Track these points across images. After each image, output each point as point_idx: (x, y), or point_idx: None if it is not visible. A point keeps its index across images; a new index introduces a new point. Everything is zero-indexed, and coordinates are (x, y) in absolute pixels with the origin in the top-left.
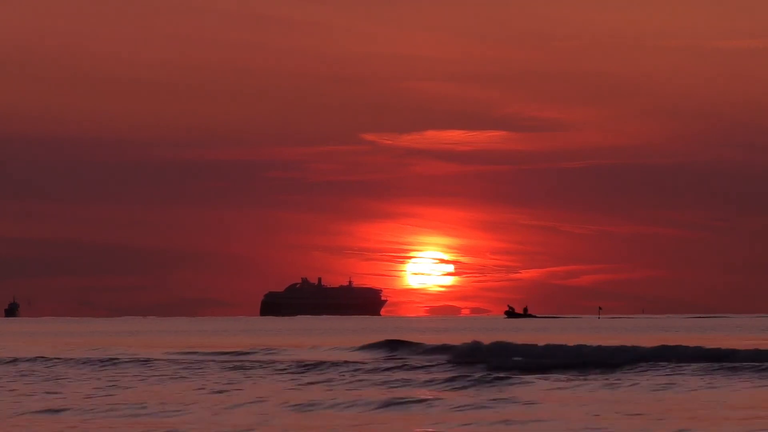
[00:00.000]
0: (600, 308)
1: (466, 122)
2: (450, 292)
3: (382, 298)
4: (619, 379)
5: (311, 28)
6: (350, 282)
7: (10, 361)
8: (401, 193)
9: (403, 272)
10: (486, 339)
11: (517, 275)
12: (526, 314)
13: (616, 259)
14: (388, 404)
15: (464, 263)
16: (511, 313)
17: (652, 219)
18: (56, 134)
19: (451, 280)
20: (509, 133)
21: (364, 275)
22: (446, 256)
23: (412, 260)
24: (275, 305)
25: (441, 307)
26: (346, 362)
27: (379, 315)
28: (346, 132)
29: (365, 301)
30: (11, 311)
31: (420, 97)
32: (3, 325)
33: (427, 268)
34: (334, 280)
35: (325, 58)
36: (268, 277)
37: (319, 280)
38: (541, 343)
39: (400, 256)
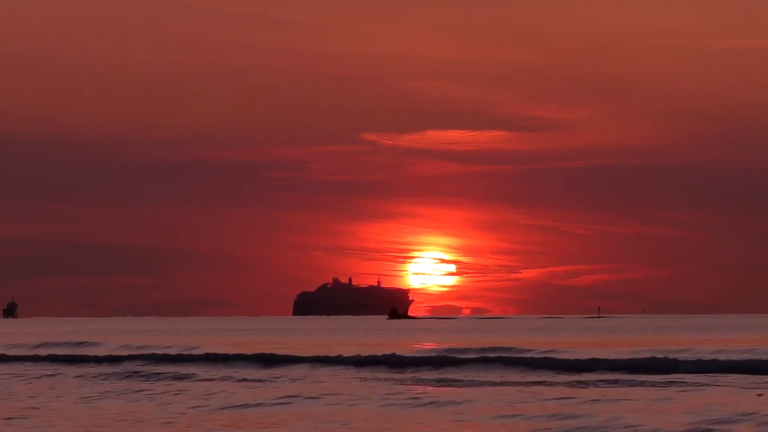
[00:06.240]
0: (599, 308)
1: (466, 122)
2: (451, 292)
3: (410, 299)
4: None
5: (311, 28)
6: (378, 282)
7: None
8: (401, 193)
9: (404, 272)
10: None
11: (518, 275)
12: (406, 316)
13: (616, 259)
14: None
15: (465, 263)
16: (393, 314)
17: (653, 219)
18: (56, 134)
19: (452, 280)
20: (509, 133)
21: (365, 275)
22: (447, 256)
23: (414, 260)
24: (308, 305)
25: (442, 307)
26: None
27: (407, 315)
28: (346, 132)
29: (393, 302)
30: (10, 311)
31: (420, 97)
32: None
33: (428, 268)
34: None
35: (325, 58)
36: (268, 277)
37: (350, 280)
38: None
39: (401, 256)
